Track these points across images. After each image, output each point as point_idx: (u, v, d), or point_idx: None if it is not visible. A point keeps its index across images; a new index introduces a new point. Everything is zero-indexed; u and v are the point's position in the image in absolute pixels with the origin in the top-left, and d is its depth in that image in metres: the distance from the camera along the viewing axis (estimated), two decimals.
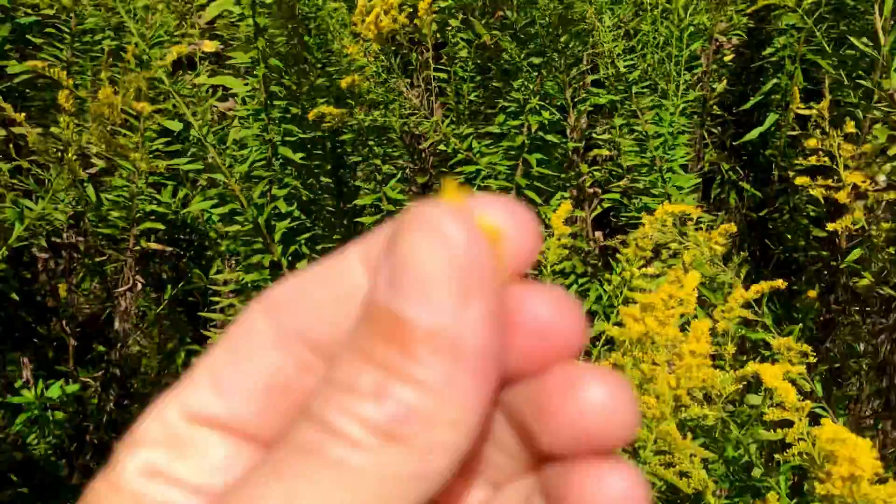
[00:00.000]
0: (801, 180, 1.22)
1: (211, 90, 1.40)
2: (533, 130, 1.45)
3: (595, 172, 1.59)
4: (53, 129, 1.37)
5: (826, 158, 1.21)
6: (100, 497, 0.29)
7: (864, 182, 1.18)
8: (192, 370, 0.31)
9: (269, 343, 0.30)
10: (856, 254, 1.33)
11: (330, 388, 0.26)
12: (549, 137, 1.46)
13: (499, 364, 0.25)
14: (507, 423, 0.28)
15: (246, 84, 1.40)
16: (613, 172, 1.55)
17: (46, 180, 1.39)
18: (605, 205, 1.58)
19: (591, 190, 1.59)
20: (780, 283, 1.12)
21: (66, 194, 1.44)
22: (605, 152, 1.60)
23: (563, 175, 1.53)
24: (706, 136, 1.67)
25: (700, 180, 1.57)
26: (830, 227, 1.23)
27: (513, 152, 1.47)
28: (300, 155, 1.42)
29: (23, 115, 1.35)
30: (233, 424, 0.31)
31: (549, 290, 0.26)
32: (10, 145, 1.51)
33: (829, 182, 1.22)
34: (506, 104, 1.46)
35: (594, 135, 1.59)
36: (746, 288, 1.22)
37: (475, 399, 0.25)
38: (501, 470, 0.29)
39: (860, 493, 0.78)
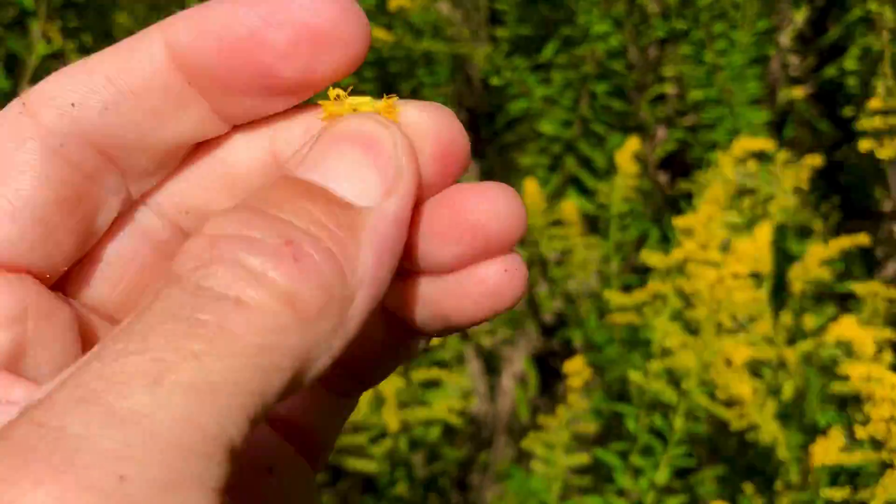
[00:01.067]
0: (865, 145, 1.09)
1: None
2: (599, 59, 1.35)
3: (659, 109, 1.49)
4: None
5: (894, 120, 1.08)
6: None
7: None
8: None
9: (32, 152, 0.26)
10: None
11: (210, 244, 0.23)
12: (615, 66, 1.36)
13: (396, 261, 0.26)
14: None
15: None
16: (679, 110, 1.46)
17: None
18: (670, 147, 1.49)
19: (655, 127, 1.49)
20: (863, 238, 1.03)
21: None
22: (670, 90, 1.49)
23: (627, 110, 1.43)
24: (781, 69, 1.55)
25: (772, 116, 1.46)
26: None
27: (574, 84, 1.37)
28: (346, 80, 1.35)
29: None
30: (7, 260, 0.26)
31: (489, 186, 0.28)
32: None
33: None
34: (566, 32, 1.36)
35: (660, 70, 1.49)
36: (827, 241, 1.13)
37: (377, 284, 0.25)
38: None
39: None
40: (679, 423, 0.92)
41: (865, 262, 1.38)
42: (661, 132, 1.49)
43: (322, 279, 0.23)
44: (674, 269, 0.89)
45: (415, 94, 1.39)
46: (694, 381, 0.88)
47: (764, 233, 1.05)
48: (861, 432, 0.73)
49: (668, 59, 1.46)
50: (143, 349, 0.21)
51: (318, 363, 0.23)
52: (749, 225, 1.14)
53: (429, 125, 0.28)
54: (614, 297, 1.03)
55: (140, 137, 0.27)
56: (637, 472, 1.02)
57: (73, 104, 0.26)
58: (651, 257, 0.94)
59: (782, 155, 1.21)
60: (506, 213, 0.28)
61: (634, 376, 0.94)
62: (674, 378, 0.91)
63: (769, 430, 0.98)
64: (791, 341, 1.07)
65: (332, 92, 0.28)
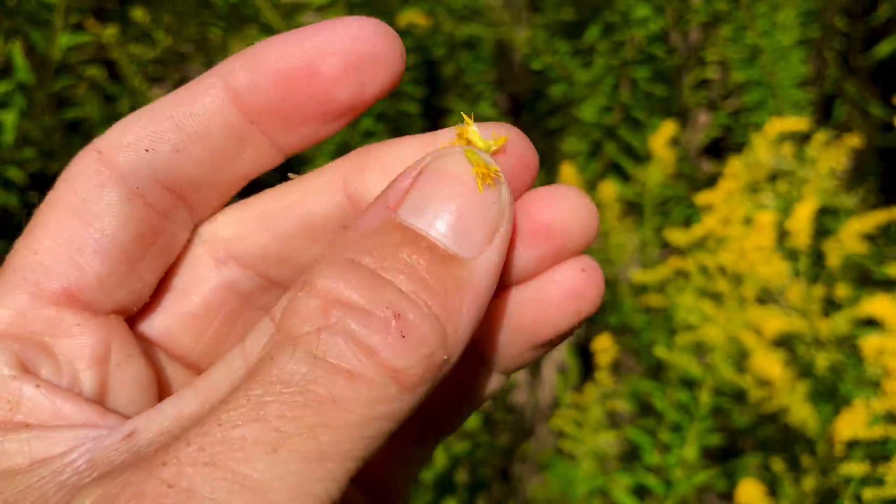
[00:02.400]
0: None
1: None
2: (639, 44, 1.35)
3: (702, 94, 1.48)
4: None
5: None
6: None
7: None
8: (30, 241, 0.28)
9: (112, 195, 0.28)
10: None
11: (322, 310, 0.24)
12: (655, 51, 1.36)
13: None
14: None
15: None
16: (722, 94, 1.44)
17: None
18: (713, 133, 1.48)
19: (697, 112, 1.48)
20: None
21: None
22: (712, 74, 1.48)
23: (668, 95, 1.42)
24: (829, 50, 1.53)
25: (815, 97, 1.43)
26: None
27: (614, 69, 1.38)
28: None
29: None
30: (95, 298, 0.28)
31: (560, 189, 0.29)
32: None
33: None
34: (607, 17, 1.36)
35: (701, 55, 1.48)
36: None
37: (471, 335, 0.26)
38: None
39: None
40: (705, 397, 0.93)
41: None
42: (703, 117, 1.48)
43: (426, 350, 0.24)
44: (696, 244, 0.89)
45: (457, 79, 1.40)
46: (720, 356, 0.88)
47: (806, 209, 1.04)
48: (877, 406, 0.73)
49: (710, 42, 1.45)
50: (261, 417, 0.23)
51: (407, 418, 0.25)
52: (785, 208, 1.13)
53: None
54: (638, 275, 1.04)
55: (206, 175, 0.30)
56: (666, 449, 1.02)
57: (146, 150, 0.29)
58: (673, 234, 0.94)
59: (821, 136, 1.20)
60: (579, 214, 0.29)
61: (660, 352, 0.95)
62: (700, 353, 0.92)
63: (799, 412, 0.98)
64: (826, 314, 1.06)
65: (465, 123, 0.29)
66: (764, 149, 1.13)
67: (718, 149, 1.57)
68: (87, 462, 0.25)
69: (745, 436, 1.12)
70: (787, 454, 1.02)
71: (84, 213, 0.28)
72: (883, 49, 1.51)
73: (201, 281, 0.32)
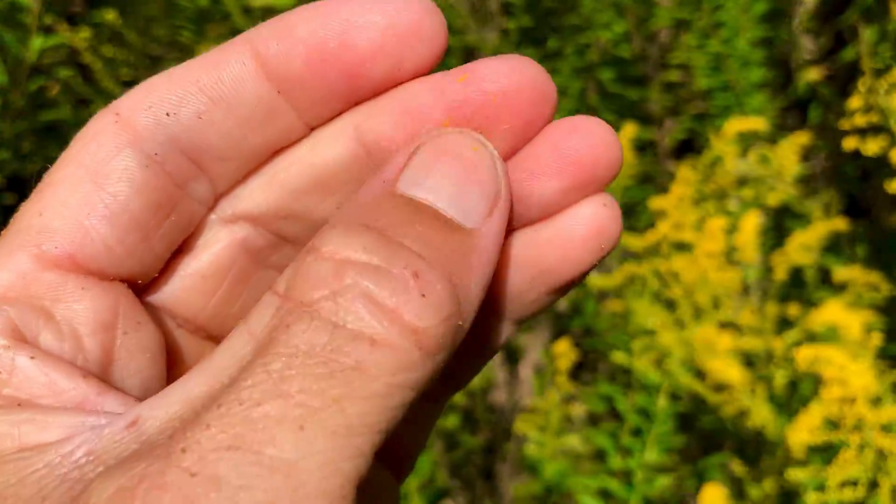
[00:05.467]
0: (848, 143, 1.06)
1: None
2: (605, 46, 1.36)
3: (667, 97, 1.50)
4: None
5: (875, 117, 1.04)
6: None
7: None
8: (37, 202, 0.27)
9: (129, 159, 0.27)
10: None
11: (335, 271, 0.23)
12: (621, 52, 1.37)
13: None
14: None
15: None
16: (687, 98, 1.46)
17: None
18: (678, 135, 1.49)
19: (662, 114, 1.49)
20: (839, 223, 1.02)
21: None
22: (677, 78, 1.49)
23: (634, 97, 1.43)
24: (799, 53, 1.54)
25: (785, 102, 1.45)
26: (892, 188, 1.07)
27: (581, 72, 1.38)
28: None
29: None
30: (101, 266, 0.27)
31: (588, 121, 0.28)
32: None
33: (883, 142, 1.05)
34: (572, 21, 1.37)
35: (667, 59, 1.49)
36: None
37: (480, 303, 0.25)
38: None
39: None
40: (663, 402, 0.94)
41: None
42: (669, 121, 1.49)
43: (445, 312, 0.24)
44: (650, 250, 0.90)
45: None
46: (676, 362, 0.89)
47: (751, 222, 1.05)
48: (817, 413, 0.74)
49: (676, 46, 1.46)
50: (283, 392, 0.22)
51: (427, 388, 0.24)
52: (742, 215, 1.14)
53: (513, 77, 0.28)
54: (596, 279, 1.05)
55: (230, 146, 0.28)
56: (627, 453, 1.03)
57: (167, 113, 0.27)
58: (629, 239, 0.95)
59: (786, 141, 1.21)
60: (606, 146, 0.28)
61: (618, 357, 0.96)
62: (658, 358, 0.93)
63: (761, 415, 0.99)
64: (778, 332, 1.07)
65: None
66: (728, 153, 1.14)
67: (693, 152, 1.58)
68: (86, 454, 0.23)
69: (713, 438, 1.13)
70: (751, 456, 1.03)
71: (97, 175, 0.27)
72: (848, 53, 1.52)
73: (211, 240, 0.30)
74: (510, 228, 0.28)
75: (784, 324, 1.11)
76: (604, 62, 1.38)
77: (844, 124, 1.05)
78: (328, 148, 0.29)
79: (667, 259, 0.87)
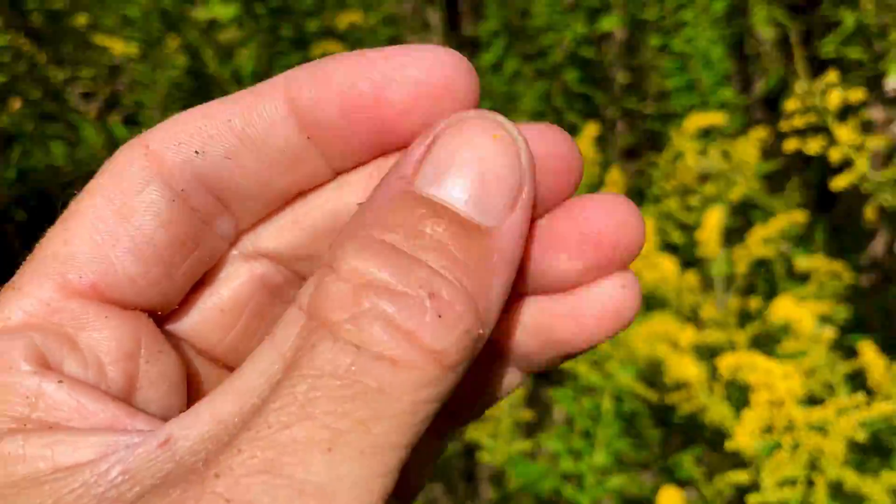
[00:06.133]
0: (790, 145, 1.04)
1: None
2: (568, 46, 1.34)
3: (630, 97, 1.48)
4: None
5: (813, 117, 1.02)
6: None
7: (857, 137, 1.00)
8: (62, 230, 0.27)
9: (155, 193, 0.27)
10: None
11: (354, 294, 0.23)
12: (585, 53, 1.35)
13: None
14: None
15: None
16: (653, 97, 1.44)
17: None
18: (631, 139, 1.47)
19: (624, 114, 1.48)
20: (798, 216, 1.00)
21: None
22: (640, 78, 1.47)
23: (598, 98, 1.42)
24: (769, 47, 1.51)
25: (752, 98, 1.42)
26: (834, 185, 1.05)
27: (546, 73, 1.37)
28: None
29: None
30: (124, 296, 0.27)
31: (612, 198, 0.28)
32: None
33: (823, 141, 1.04)
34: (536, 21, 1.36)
35: (631, 60, 1.47)
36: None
37: (501, 308, 0.25)
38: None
39: None
40: (607, 404, 0.92)
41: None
42: (633, 120, 1.48)
43: (463, 327, 0.24)
44: None
45: None
46: (615, 364, 0.87)
47: (714, 217, 1.03)
48: (751, 417, 0.72)
49: (639, 46, 1.44)
50: (310, 414, 0.22)
51: (448, 397, 0.24)
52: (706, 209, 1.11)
53: (541, 145, 0.27)
54: None
55: (256, 186, 0.28)
56: (578, 456, 1.01)
57: (196, 151, 0.27)
58: None
59: (747, 136, 1.19)
60: (627, 225, 0.28)
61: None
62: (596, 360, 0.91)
63: (719, 412, 0.97)
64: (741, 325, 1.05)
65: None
66: (689, 149, 1.12)
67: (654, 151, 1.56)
68: (121, 472, 0.23)
69: (672, 436, 1.11)
70: (708, 453, 1.01)
71: (123, 207, 0.27)
72: (827, 46, 1.49)
73: (231, 275, 0.30)
74: (531, 236, 0.28)
75: (746, 317, 1.09)
76: (568, 63, 1.36)
77: (784, 126, 1.03)
78: (353, 194, 0.29)
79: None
